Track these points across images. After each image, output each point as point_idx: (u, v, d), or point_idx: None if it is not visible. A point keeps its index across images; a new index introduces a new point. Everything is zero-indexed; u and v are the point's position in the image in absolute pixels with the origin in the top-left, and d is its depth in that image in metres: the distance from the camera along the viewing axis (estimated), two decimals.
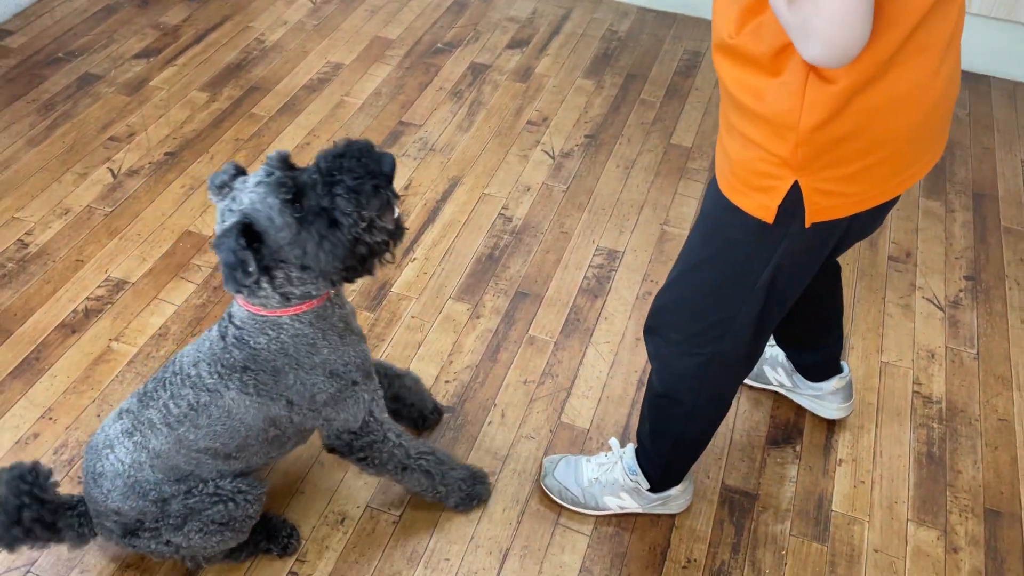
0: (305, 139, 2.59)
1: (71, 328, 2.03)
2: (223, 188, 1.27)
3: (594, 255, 2.27)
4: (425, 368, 1.97)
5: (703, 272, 1.29)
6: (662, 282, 2.21)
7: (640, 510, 1.70)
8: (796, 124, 1.03)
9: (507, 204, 2.41)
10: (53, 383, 1.91)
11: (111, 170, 2.45)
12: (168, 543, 1.48)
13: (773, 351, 1.88)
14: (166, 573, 1.61)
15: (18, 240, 2.23)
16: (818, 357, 1.77)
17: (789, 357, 1.83)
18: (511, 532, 1.70)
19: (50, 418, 1.85)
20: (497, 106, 2.75)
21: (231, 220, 1.22)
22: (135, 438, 1.42)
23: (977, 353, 2.05)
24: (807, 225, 1.13)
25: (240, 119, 2.65)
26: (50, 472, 1.48)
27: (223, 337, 1.37)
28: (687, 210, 2.42)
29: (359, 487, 1.75)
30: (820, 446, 1.86)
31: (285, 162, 1.26)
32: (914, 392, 1.97)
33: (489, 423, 1.88)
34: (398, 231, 1.32)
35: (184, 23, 3.06)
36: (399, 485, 1.62)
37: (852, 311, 2.13)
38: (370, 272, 1.33)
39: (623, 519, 1.72)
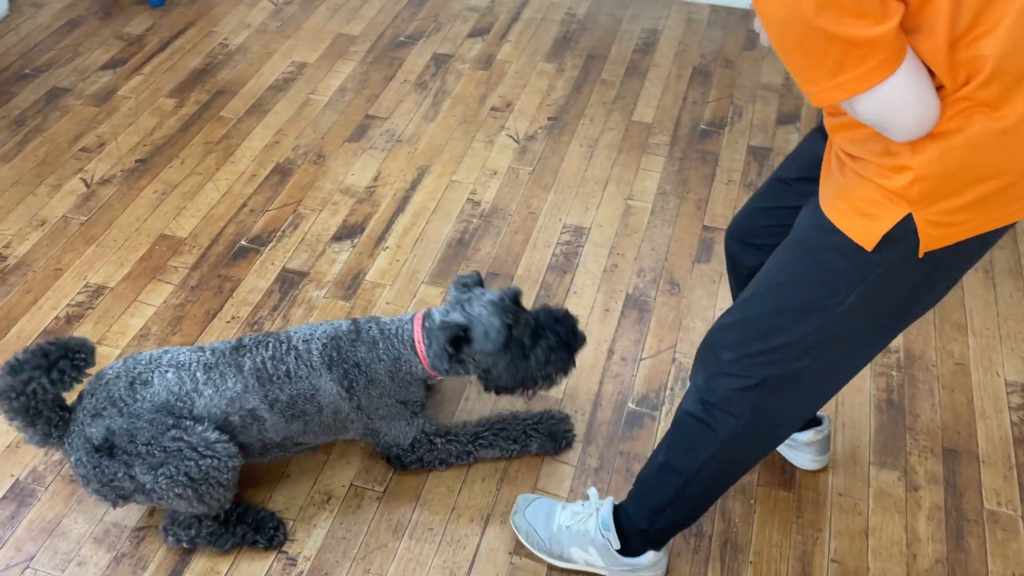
0: (274, 138, 2.64)
1: (54, 334, 2.08)
2: (465, 287, 1.69)
3: (561, 233, 2.34)
4: None
5: (782, 292, 1.25)
6: (628, 254, 2.28)
7: (606, 572, 1.63)
8: (910, 164, 1.06)
9: (475, 189, 2.47)
10: None
11: (84, 180, 2.50)
12: (132, 478, 1.53)
13: None
14: (160, 561, 1.67)
15: None
16: None
17: None
18: (491, 500, 1.76)
19: None
20: (461, 94, 2.81)
21: (455, 318, 1.64)
22: (212, 373, 1.60)
23: None
24: (920, 255, 1.12)
25: (208, 123, 2.70)
26: (90, 354, 1.53)
27: (357, 327, 1.67)
28: (650, 184, 2.48)
29: (342, 467, 1.81)
30: None
31: (516, 298, 1.66)
32: None
33: (466, 399, 1.94)
34: (548, 380, 1.70)
35: (148, 32, 3.10)
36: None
37: None
38: (509, 392, 1.71)
39: None
